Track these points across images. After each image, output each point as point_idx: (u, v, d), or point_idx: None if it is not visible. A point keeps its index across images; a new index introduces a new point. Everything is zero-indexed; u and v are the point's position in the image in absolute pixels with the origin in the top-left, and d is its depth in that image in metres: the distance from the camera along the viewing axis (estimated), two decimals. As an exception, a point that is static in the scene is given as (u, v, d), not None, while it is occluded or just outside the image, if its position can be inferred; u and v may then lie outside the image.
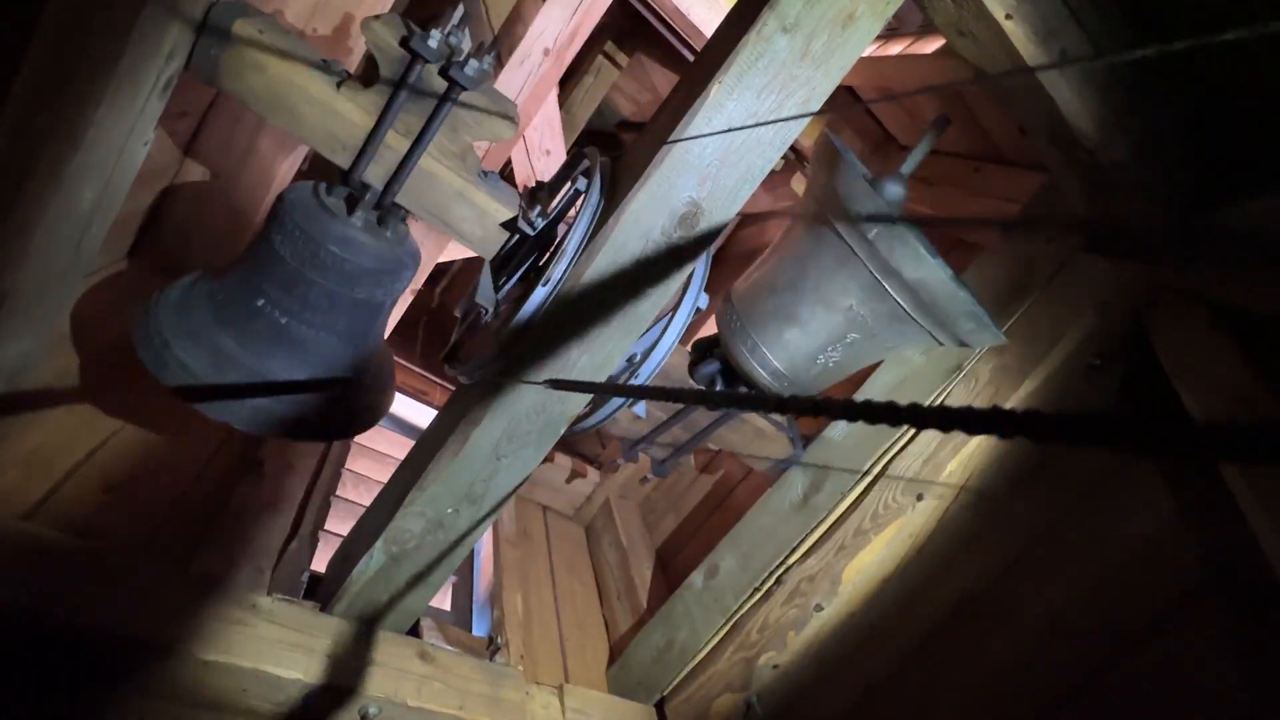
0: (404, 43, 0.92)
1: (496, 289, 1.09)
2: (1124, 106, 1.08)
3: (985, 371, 1.43)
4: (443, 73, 0.94)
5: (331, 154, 0.99)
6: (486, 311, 1.08)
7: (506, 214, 1.07)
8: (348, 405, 1.15)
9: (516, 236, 1.10)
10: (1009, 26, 1.00)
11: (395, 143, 0.99)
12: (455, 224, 1.07)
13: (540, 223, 1.07)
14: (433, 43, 0.91)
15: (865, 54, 1.00)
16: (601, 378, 1.11)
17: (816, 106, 0.98)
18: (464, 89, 0.96)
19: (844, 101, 2.04)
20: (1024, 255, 1.45)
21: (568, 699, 1.37)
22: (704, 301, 1.21)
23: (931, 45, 1.78)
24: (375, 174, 1.01)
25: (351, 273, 1.03)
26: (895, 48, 1.92)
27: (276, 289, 1.04)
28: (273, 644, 1.04)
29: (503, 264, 1.16)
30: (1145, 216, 1.22)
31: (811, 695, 1.44)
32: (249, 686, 1.01)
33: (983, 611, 1.33)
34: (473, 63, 0.94)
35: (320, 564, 1.37)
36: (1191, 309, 1.20)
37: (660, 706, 1.55)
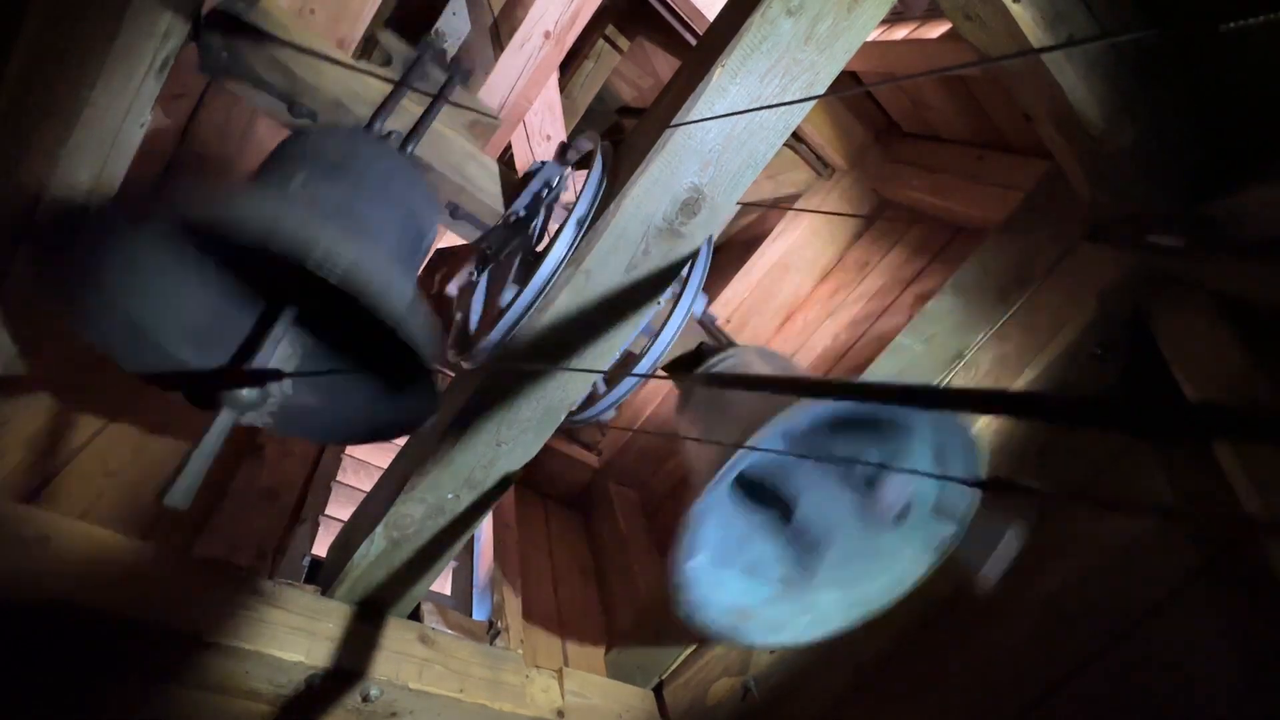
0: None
1: (492, 280, 1.09)
2: (1131, 92, 1.07)
3: (986, 361, 1.43)
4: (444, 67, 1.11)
5: (351, 105, 1.04)
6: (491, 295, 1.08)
7: (511, 176, 1.11)
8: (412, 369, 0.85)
9: (515, 217, 1.10)
10: (1016, 10, 0.98)
11: (410, 107, 1.08)
12: (471, 178, 1.17)
13: (556, 173, 1.12)
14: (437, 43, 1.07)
15: (870, 38, 0.99)
16: (603, 366, 1.11)
17: (821, 91, 0.97)
18: (468, 75, 1.07)
19: (847, 86, 2.02)
20: (1027, 243, 1.44)
21: (567, 682, 1.39)
22: (699, 307, 1.21)
23: (937, 30, 1.76)
24: (394, 128, 1.07)
25: (391, 176, 0.93)
26: (900, 32, 1.90)
27: (316, 172, 0.88)
28: (275, 627, 1.05)
29: (499, 252, 1.16)
30: (1149, 204, 1.21)
31: (808, 678, 1.45)
32: (252, 669, 1.02)
33: (978, 597, 1.34)
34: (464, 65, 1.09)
35: (321, 549, 1.37)
36: (1194, 299, 1.20)
37: (658, 690, 1.57)
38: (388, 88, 1.09)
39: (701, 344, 1.40)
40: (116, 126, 0.92)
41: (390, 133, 1.03)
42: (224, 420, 0.80)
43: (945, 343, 1.47)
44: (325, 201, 0.86)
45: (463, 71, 1.10)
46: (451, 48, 1.16)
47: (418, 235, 1.01)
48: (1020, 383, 1.35)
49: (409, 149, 1.03)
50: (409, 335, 0.74)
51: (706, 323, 1.32)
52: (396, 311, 0.71)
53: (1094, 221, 1.36)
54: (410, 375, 0.85)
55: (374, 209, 0.91)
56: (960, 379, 1.44)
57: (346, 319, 0.86)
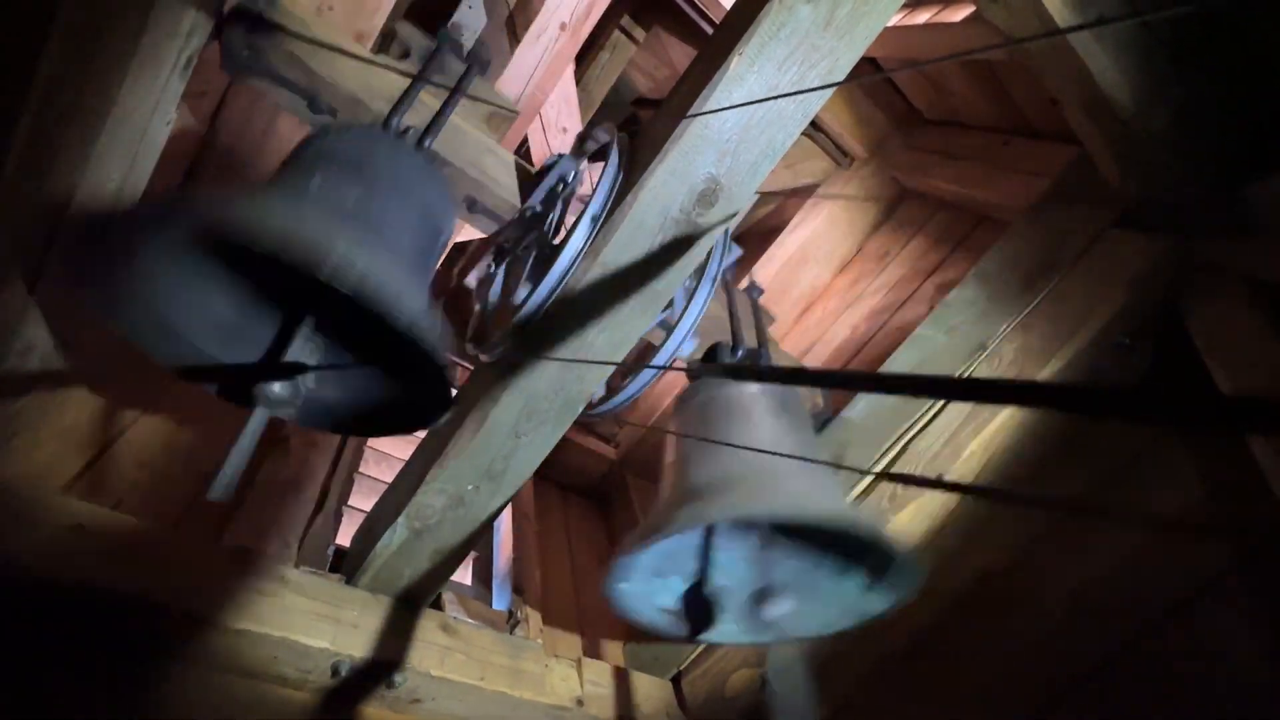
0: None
1: (509, 273, 1.10)
2: (1165, 74, 1.03)
3: (1010, 351, 1.40)
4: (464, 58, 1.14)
5: (370, 101, 1.06)
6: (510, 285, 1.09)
7: (528, 169, 1.11)
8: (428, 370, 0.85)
9: (532, 211, 1.10)
10: (1043, -10, 0.96)
11: (428, 100, 1.09)
12: (488, 172, 1.18)
13: (572, 168, 1.12)
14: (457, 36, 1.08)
15: (890, 23, 0.97)
16: (619, 357, 1.11)
17: (840, 78, 0.96)
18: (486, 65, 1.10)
19: (867, 73, 1.99)
20: (1053, 230, 1.41)
21: (586, 671, 1.40)
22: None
23: (960, 13, 1.72)
24: (412, 122, 1.07)
25: (407, 175, 0.93)
26: (922, 16, 1.86)
27: (333, 172, 0.88)
28: (301, 614, 1.07)
29: (516, 246, 1.16)
30: (1181, 189, 1.18)
31: (829, 670, 1.45)
32: (279, 654, 1.04)
33: (1002, 590, 1.32)
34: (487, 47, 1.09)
35: (345, 538, 1.40)
36: (1227, 285, 1.16)
37: (676, 681, 1.58)
38: (405, 82, 1.09)
39: (716, 344, 1.39)
40: (143, 125, 0.94)
41: (408, 128, 1.03)
42: (259, 417, 0.84)
43: (968, 333, 1.45)
44: (340, 204, 0.87)
45: (481, 62, 1.10)
46: (469, 40, 1.15)
47: (434, 233, 1.01)
48: (1045, 374, 1.33)
49: (426, 144, 1.03)
50: (420, 339, 0.76)
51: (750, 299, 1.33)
52: (405, 319, 0.73)
53: (1123, 208, 1.32)
54: (424, 373, 0.87)
55: (389, 210, 0.92)
56: (983, 370, 1.42)
57: (366, 317, 0.87)
